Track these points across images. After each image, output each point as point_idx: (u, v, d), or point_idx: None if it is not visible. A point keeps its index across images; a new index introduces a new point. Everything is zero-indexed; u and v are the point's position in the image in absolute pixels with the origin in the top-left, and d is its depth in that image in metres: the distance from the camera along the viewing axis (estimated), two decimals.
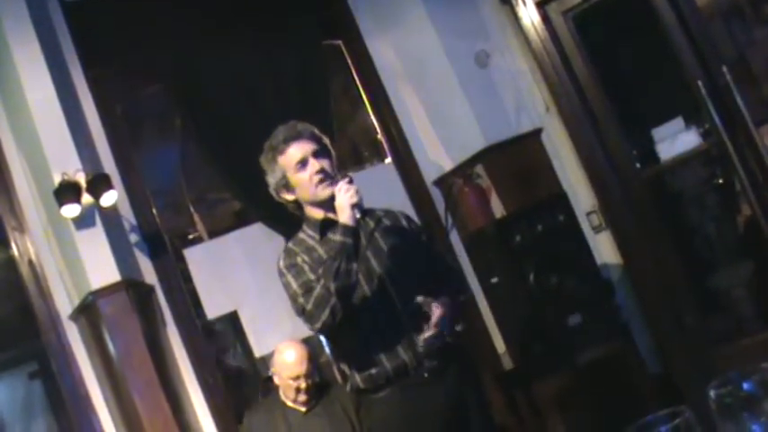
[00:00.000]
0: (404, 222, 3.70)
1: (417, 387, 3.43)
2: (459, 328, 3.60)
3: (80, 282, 4.66)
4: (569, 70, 5.59)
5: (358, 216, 3.28)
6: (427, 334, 3.36)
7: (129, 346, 4.53)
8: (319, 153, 3.47)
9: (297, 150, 3.45)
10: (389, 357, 3.41)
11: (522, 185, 5.76)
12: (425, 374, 3.43)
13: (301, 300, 3.30)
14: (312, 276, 3.33)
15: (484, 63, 5.93)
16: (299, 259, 3.42)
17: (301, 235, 3.55)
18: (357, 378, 3.49)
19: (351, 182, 3.32)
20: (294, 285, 3.36)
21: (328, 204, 3.41)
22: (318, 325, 3.29)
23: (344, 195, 3.28)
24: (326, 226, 3.45)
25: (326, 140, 3.57)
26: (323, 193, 3.41)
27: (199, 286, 5.56)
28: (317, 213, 3.51)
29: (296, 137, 3.48)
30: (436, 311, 3.37)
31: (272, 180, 3.54)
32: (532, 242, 5.54)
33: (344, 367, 3.60)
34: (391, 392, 3.45)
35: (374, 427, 3.58)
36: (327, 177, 3.42)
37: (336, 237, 3.28)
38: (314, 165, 3.42)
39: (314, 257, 3.41)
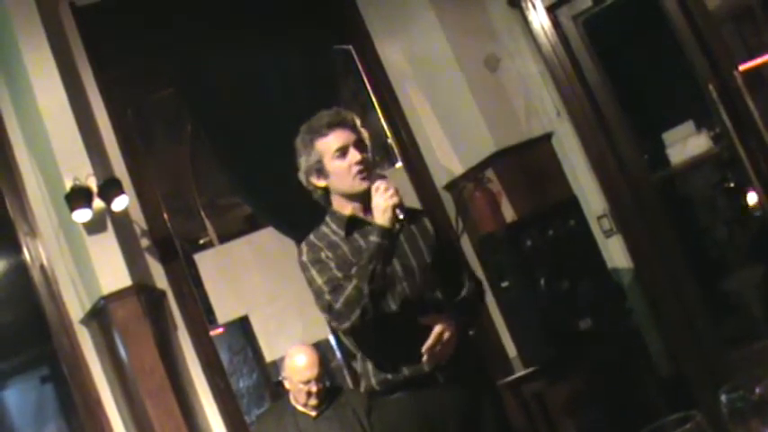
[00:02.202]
0: (428, 224, 3.59)
1: (431, 391, 3.38)
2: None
3: (91, 286, 4.68)
4: (580, 74, 5.59)
5: (401, 217, 3.20)
6: (425, 357, 3.32)
7: (141, 351, 4.54)
8: (359, 144, 3.39)
9: (338, 137, 3.35)
10: (408, 365, 3.36)
11: (533, 190, 5.75)
12: (440, 379, 3.38)
13: (328, 297, 3.22)
14: (339, 274, 3.25)
15: (494, 67, 5.93)
16: (323, 255, 3.33)
17: (324, 229, 3.45)
18: (372, 380, 3.44)
19: (389, 182, 3.25)
20: (319, 281, 3.27)
21: (360, 198, 3.35)
22: (347, 324, 3.21)
23: (383, 195, 3.19)
24: (353, 224, 3.38)
25: (366, 135, 3.46)
26: (360, 185, 3.32)
27: (210, 291, 5.57)
28: (345, 208, 3.42)
29: (340, 123, 3.38)
30: (435, 330, 3.32)
31: (304, 163, 3.43)
32: (543, 246, 5.53)
33: (360, 367, 3.53)
34: (405, 396, 3.41)
35: (387, 429, 3.54)
36: (367, 169, 3.34)
37: (373, 238, 3.20)
38: (354, 155, 3.33)
39: (338, 254, 3.32)
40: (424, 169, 6.07)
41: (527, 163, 5.81)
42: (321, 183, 3.44)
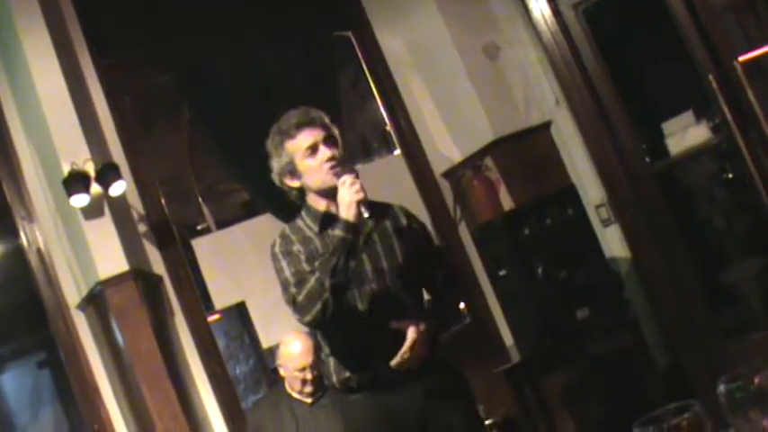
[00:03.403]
0: (404, 221, 3.56)
1: (393, 392, 3.36)
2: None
3: (88, 271, 4.67)
4: (579, 63, 5.58)
5: (366, 215, 3.18)
6: (396, 360, 3.30)
7: (137, 336, 4.54)
8: (329, 141, 3.37)
9: (308, 136, 3.34)
10: (371, 366, 3.36)
11: (532, 178, 5.75)
12: (401, 378, 3.34)
13: (293, 289, 3.21)
14: (307, 267, 3.24)
15: (493, 55, 5.92)
16: (295, 248, 3.33)
17: (299, 222, 3.45)
18: (334, 378, 3.45)
19: (357, 176, 3.22)
20: (287, 272, 3.27)
21: (334, 195, 3.28)
22: (308, 318, 3.19)
23: (349, 190, 3.17)
24: (327, 220, 3.36)
25: (336, 131, 3.46)
26: (333, 181, 3.28)
27: (207, 277, 5.56)
28: (320, 204, 3.41)
29: (308, 123, 3.36)
30: (410, 336, 3.30)
31: (276, 165, 3.43)
32: (541, 235, 5.53)
33: (324, 364, 3.53)
34: (366, 396, 3.40)
35: (349, 428, 3.53)
36: (338, 164, 3.31)
37: (337, 231, 3.18)
38: (325, 152, 3.32)
39: (310, 249, 3.32)
40: (422, 157, 6.08)
41: (526, 151, 5.82)
42: (295, 183, 3.43)
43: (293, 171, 3.40)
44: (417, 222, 3.68)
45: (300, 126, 3.37)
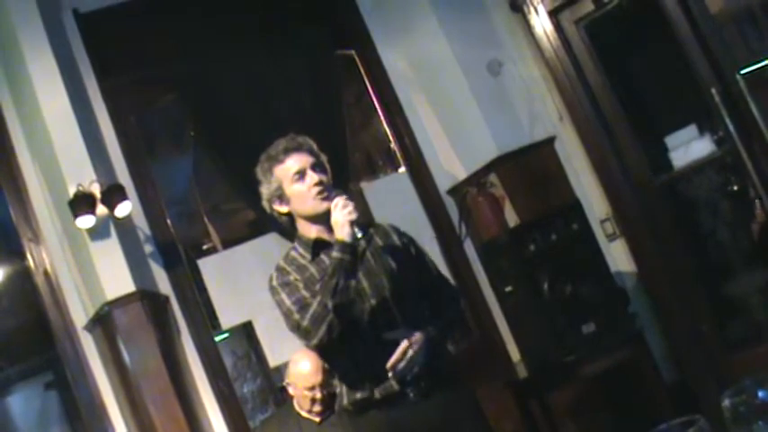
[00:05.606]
0: (395, 238, 3.61)
1: (403, 408, 3.36)
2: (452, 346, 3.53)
3: (95, 292, 4.68)
4: (582, 78, 5.60)
5: (359, 235, 3.23)
6: (390, 363, 3.30)
7: (144, 357, 4.54)
8: (317, 167, 3.43)
9: (295, 162, 3.41)
10: (377, 384, 3.36)
11: (536, 194, 5.75)
12: (411, 395, 3.36)
13: (296, 316, 3.25)
14: (306, 294, 3.28)
15: (496, 72, 5.93)
16: (291, 278, 3.37)
17: (293, 253, 3.49)
18: (345, 400, 3.46)
19: (348, 198, 3.28)
20: (288, 302, 3.31)
21: (323, 220, 3.36)
22: (315, 341, 3.23)
23: (341, 211, 3.22)
24: (318, 246, 3.41)
25: (324, 158, 3.52)
26: (321, 206, 3.35)
27: (213, 296, 5.56)
28: (310, 232, 3.45)
29: (295, 149, 3.44)
30: (402, 344, 3.30)
31: (265, 191, 3.49)
32: (546, 251, 5.53)
33: (338, 387, 3.54)
34: (376, 414, 3.40)
35: None
36: (326, 190, 3.37)
37: (334, 253, 3.22)
38: (312, 177, 3.37)
39: (306, 276, 3.36)
40: (427, 174, 6.07)
41: (530, 167, 5.81)
42: (284, 209, 3.48)
43: (282, 196, 3.46)
44: (407, 237, 3.70)
45: (288, 151, 3.44)
